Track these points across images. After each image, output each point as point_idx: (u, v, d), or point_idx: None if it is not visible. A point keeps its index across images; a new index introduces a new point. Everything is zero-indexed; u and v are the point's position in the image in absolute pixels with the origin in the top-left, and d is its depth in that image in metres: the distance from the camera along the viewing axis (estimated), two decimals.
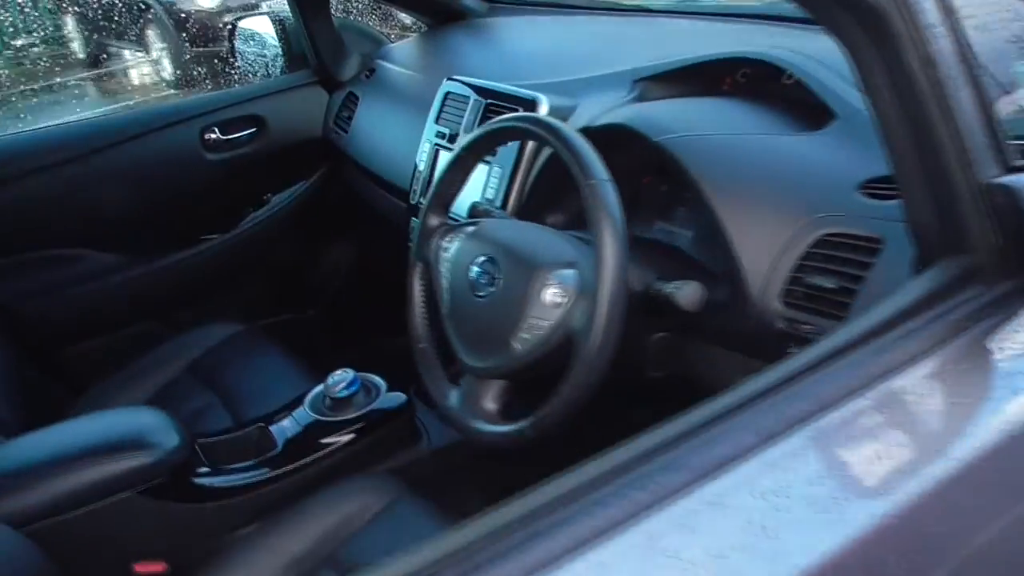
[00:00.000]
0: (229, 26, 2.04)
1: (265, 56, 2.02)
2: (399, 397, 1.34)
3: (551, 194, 1.24)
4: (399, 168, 1.61)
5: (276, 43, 1.98)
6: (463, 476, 1.37)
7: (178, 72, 6.75)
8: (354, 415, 1.31)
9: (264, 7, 6.57)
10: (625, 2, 2.01)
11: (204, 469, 1.22)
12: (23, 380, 1.57)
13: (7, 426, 1.28)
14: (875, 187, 0.88)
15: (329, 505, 1.17)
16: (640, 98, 1.22)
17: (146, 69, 7.13)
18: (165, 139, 1.83)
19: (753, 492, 0.56)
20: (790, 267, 0.90)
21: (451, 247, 1.07)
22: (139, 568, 1.12)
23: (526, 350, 0.94)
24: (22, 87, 6.00)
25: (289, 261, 2.07)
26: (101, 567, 1.13)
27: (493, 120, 1.05)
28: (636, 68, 1.26)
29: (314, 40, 1.89)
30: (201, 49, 6.67)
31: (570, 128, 0.94)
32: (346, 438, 1.28)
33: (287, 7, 1.91)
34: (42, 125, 1.82)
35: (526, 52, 1.66)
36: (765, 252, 0.91)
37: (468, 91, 1.43)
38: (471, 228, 1.07)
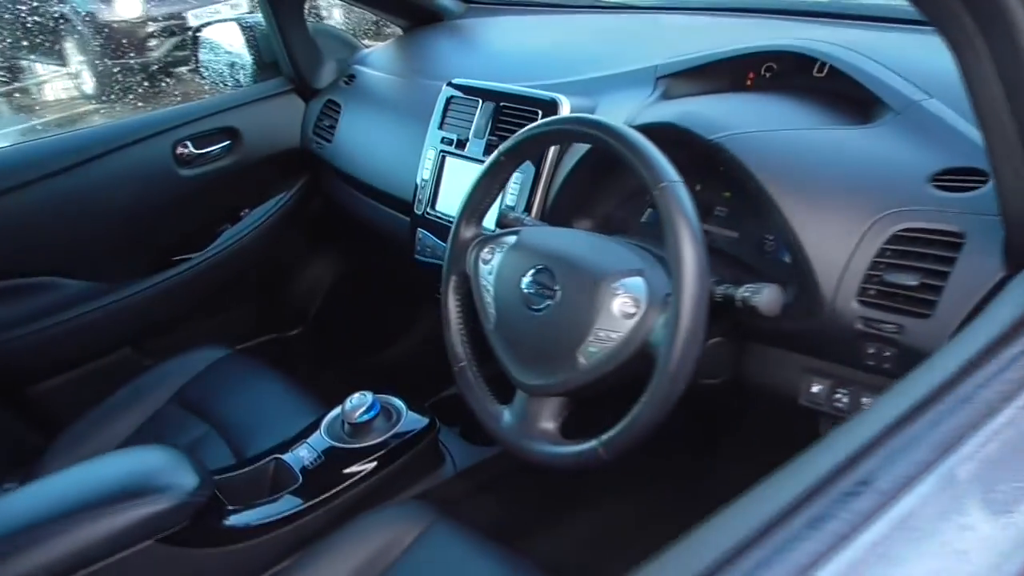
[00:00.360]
0: (192, 35, 1.93)
1: (234, 65, 1.92)
2: (421, 420, 1.27)
3: (578, 198, 1.20)
4: (396, 177, 1.54)
5: (246, 51, 1.89)
6: (493, 496, 1.32)
7: (100, 85, 6.48)
8: (377, 440, 1.24)
9: (191, 17, 6.37)
10: (606, 0, 1.98)
11: (231, 509, 1.13)
12: None
13: None
14: (947, 179, 0.86)
15: (363, 536, 1.10)
16: (666, 95, 1.18)
17: (65, 83, 6.82)
18: (135, 155, 1.71)
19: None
20: (866, 265, 0.87)
21: (493, 259, 1.01)
22: None
23: (593, 365, 0.89)
24: None
25: (270, 278, 1.97)
26: None
27: (538, 123, 0.99)
28: (656, 65, 1.23)
29: (289, 46, 1.80)
30: (124, 61, 6.41)
31: (629, 128, 0.89)
32: (371, 465, 1.21)
33: (218, 15, 1.82)
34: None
35: (523, 52, 1.61)
36: (837, 250, 0.88)
37: (474, 94, 1.37)
38: (512, 239, 1.02)
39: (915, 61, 1.03)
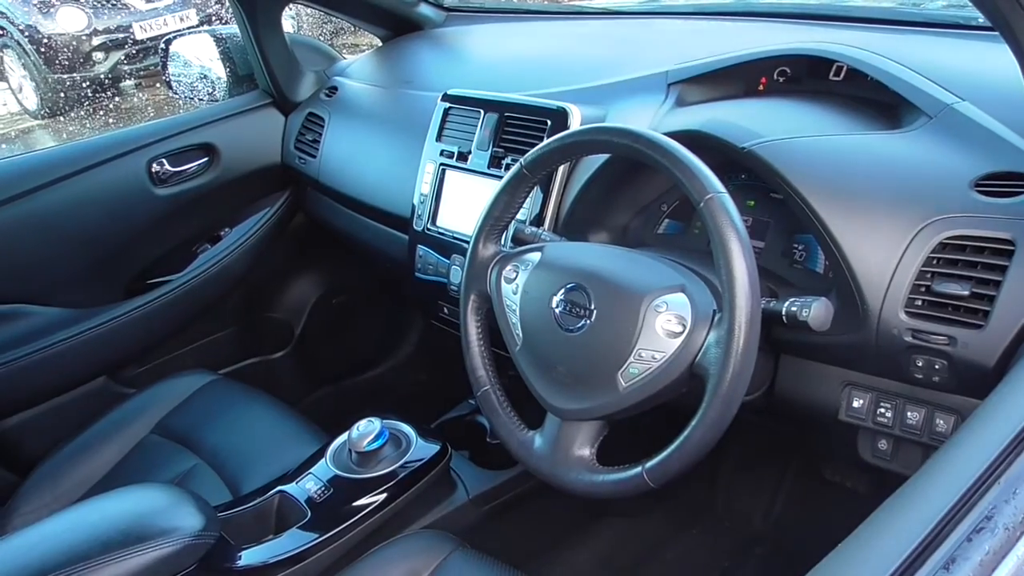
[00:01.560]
0: (162, 46, 1.84)
1: (207, 78, 1.84)
2: (432, 446, 1.21)
3: (593, 211, 1.16)
4: (390, 193, 1.48)
5: (220, 63, 1.81)
6: (509, 521, 1.27)
7: (43, 100, 6.26)
8: (387, 470, 1.18)
9: (138, 29, 6.19)
10: (589, 6, 1.95)
11: (239, 548, 1.06)
12: None
13: None
14: (990, 184, 0.84)
15: (381, 570, 1.06)
16: (680, 102, 1.15)
17: (5, 98, 6.59)
18: (107, 175, 1.62)
19: None
20: (912, 275, 0.84)
21: (518, 278, 0.97)
22: None
23: (636, 387, 0.85)
24: None
25: (251, 299, 1.89)
26: None
27: (566, 133, 0.95)
28: (667, 70, 1.19)
29: (266, 58, 1.73)
30: (69, 75, 6.21)
31: (669, 139, 0.86)
32: (383, 496, 1.15)
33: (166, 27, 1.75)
34: None
35: (514, 60, 1.56)
36: (882, 260, 0.86)
37: (475, 105, 1.32)
38: (537, 256, 0.97)
39: (938, 63, 1.01)
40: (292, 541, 1.10)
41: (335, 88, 1.74)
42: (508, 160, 1.25)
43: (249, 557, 1.08)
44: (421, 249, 1.38)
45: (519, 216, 1.19)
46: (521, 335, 0.96)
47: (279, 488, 1.18)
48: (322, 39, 1.98)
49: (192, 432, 1.39)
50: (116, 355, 1.68)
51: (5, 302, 1.55)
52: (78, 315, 1.62)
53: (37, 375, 1.58)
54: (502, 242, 1.04)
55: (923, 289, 0.84)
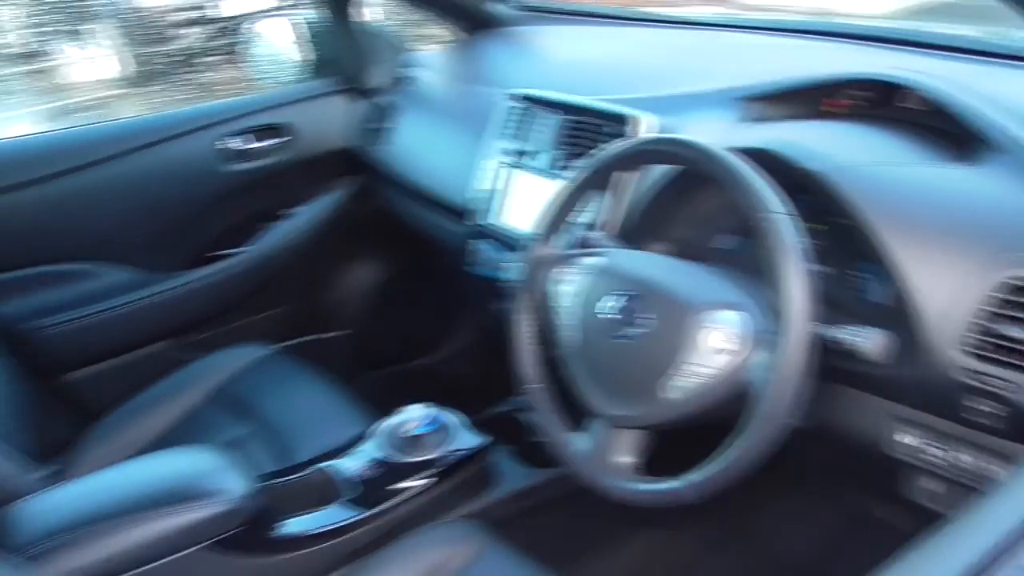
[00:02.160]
0: (244, 26, 1.90)
1: (284, 61, 1.89)
2: (478, 438, 1.23)
3: (656, 221, 1.15)
4: (451, 185, 1.50)
5: (297, 47, 1.85)
6: (546, 519, 1.28)
7: (129, 69, 6.46)
8: (432, 456, 1.20)
9: (223, 6, 6.35)
10: (663, 14, 1.94)
11: (280, 516, 1.09)
12: (32, 407, 1.41)
13: (23, 458, 1.15)
14: None
15: (414, 554, 1.07)
16: (749, 119, 1.14)
17: (94, 65, 6.83)
18: (180, 148, 1.69)
19: None
20: (978, 314, 0.82)
21: (576, 280, 0.97)
22: None
23: (680, 400, 0.85)
24: None
25: (312, 278, 1.93)
26: None
27: (637, 140, 0.96)
28: (740, 86, 1.19)
29: (344, 45, 1.77)
30: (158, 47, 6.40)
31: (732, 154, 0.85)
32: (426, 482, 1.17)
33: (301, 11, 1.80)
34: (47, 130, 1.66)
35: (586, 64, 1.57)
36: (945, 297, 0.84)
37: (543, 105, 1.33)
38: (598, 261, 0.98)
39: (1010, 95, 0.99)
40: (333, 515, 1.14)
41: (409, 78, 1.77)
42: (572, 163, 1.26)
43: (291, 526, 1.11)
44: (477, 243, 1.39)
45: (580, 219, 1.20)
46: (572, 337, 0.96)
47: (325, 463, 1.21)
48: (405, 31, 2.00)
49: (246, 402, 1.44)
50: (179, 321, 1.74)
51: (79, 261, 1.63)
52: (146, 279, 1.68)
53: (106, 332, 1.65)
54: (560, 243, 1.05)
55: (987, 330, 0.82)
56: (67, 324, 1.60)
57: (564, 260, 1.01)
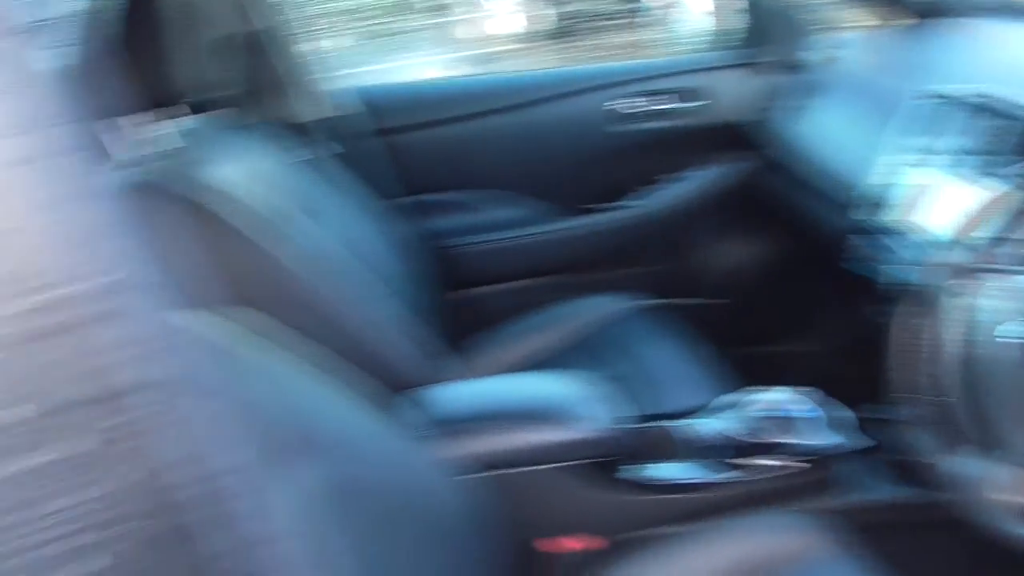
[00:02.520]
0: None
1: (700, 28, 1.94)
2: (859, 438, 1.18)
3: None
4: (843, 176, 1.44)
5: (713, 16, 1.90)
6: (906, 542, 1.18)
7: (546, 28, 6.92)
8: (810, 444, 1.15)
9: None
10: None
11: (646, 463, 1.16)
12: (437, 313, 1.64)
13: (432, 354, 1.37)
14: None
15: (764, 531, 1.06)
16: None
17: (516, 20, 7.41)
18: (596, 99, 1.86)
19: None
20: None
21: (984, 295, 0.91)
22: (564, 543, 1.11)
23: None
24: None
25: (690, 243, 2.00)
26: (524, 532, 1.12)
27: None
28: None
29: (767, 20, 1.77)
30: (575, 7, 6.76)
31: None
32: (796, 466, 1.15)
33: None
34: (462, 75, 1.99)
35: None
36: None
37: (973, 106, 1.21)
38: (1015, 279, 0.89)
39: None
40: (688, 471, 1.16)
41: (832, 60, 1.71)
42: (998, 170, 1.15)
43: (652, 472, 1.16)
44: (868, 240, 1.33)
45: (997, 233, 1.10)
46: (968, 356, 0.90)
47: (685, 420, 1.23)
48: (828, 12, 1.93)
49: (614, 347, 1.53)
50: (566, 260, 1.92)
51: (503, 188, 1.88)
52: (537, 218, 1.89)
53: (507, 258, 1.89)
54: (974, 255, 0.97)
55: None
56: (472, 247, 1.87)
57: (974, 273, 0.94)
